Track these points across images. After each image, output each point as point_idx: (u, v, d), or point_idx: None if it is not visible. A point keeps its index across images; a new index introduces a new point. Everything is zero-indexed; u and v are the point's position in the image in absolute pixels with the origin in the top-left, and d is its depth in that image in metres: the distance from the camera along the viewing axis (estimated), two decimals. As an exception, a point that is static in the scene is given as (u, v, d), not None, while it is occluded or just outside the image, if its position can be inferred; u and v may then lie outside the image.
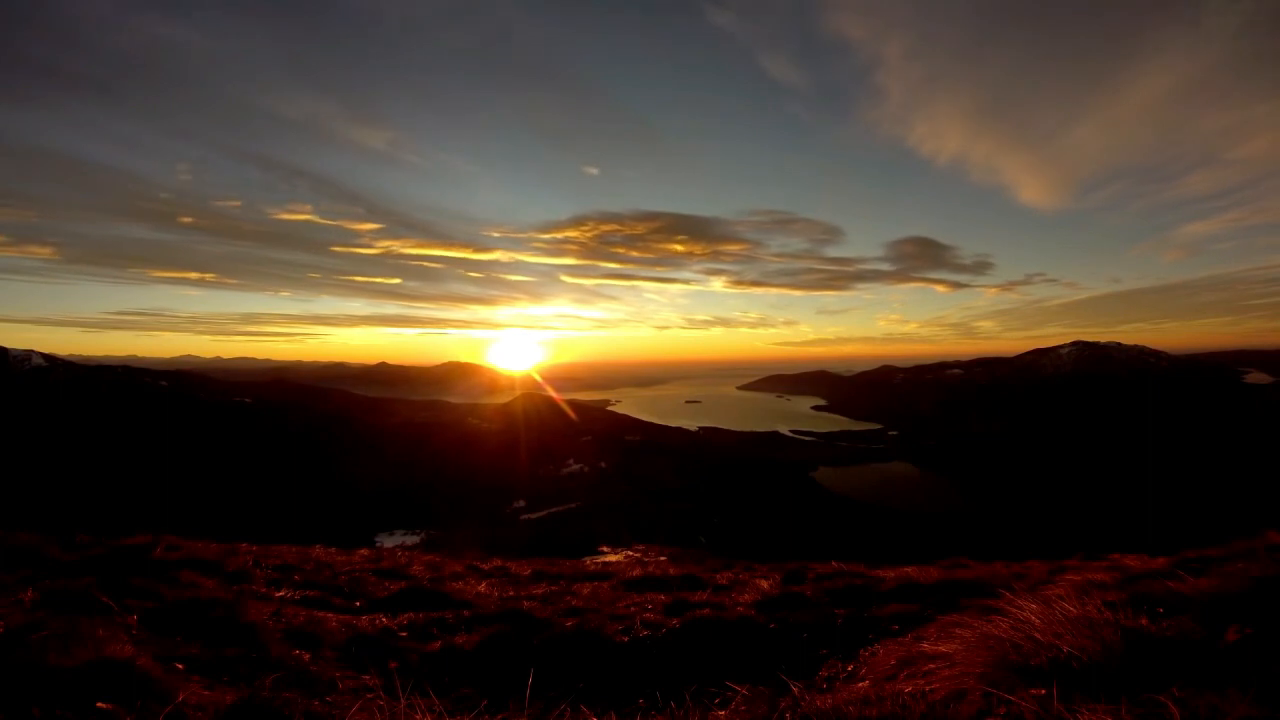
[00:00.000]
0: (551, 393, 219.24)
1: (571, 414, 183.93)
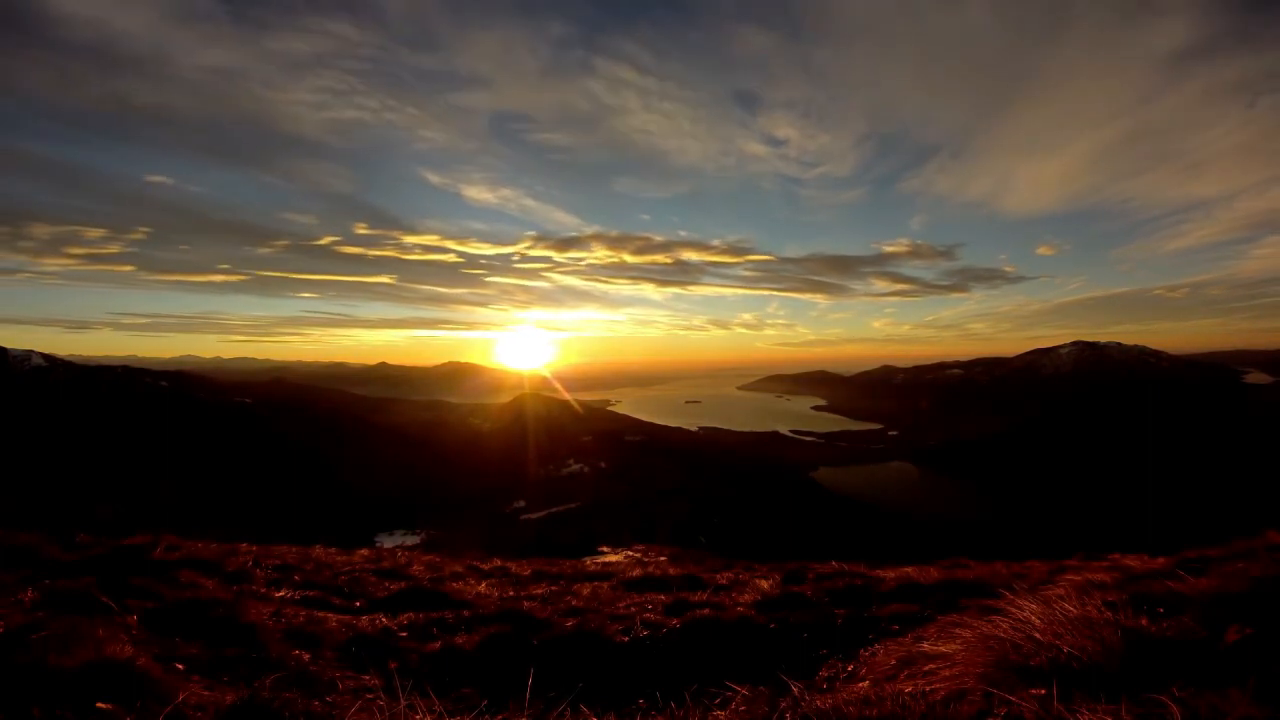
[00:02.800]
0: (561, 391, 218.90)
1: (579, 409, 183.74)
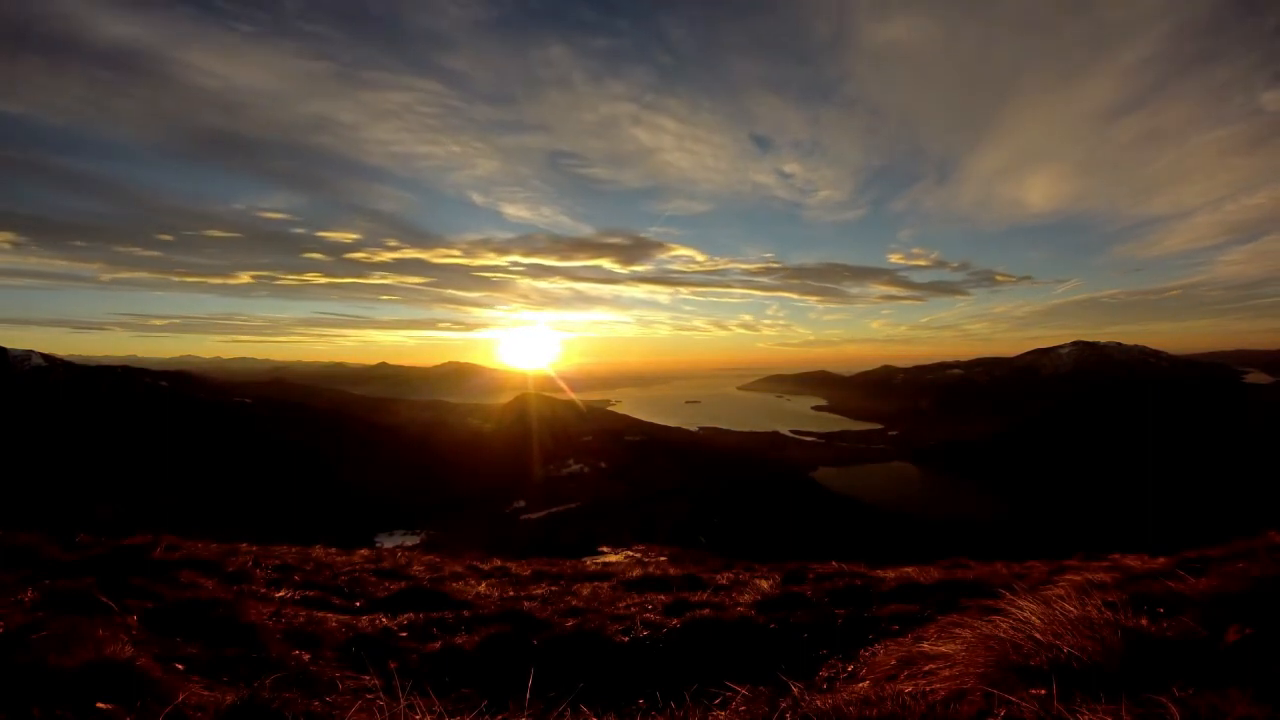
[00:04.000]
0: (566, 390, 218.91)
1: (581, 407, 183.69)
